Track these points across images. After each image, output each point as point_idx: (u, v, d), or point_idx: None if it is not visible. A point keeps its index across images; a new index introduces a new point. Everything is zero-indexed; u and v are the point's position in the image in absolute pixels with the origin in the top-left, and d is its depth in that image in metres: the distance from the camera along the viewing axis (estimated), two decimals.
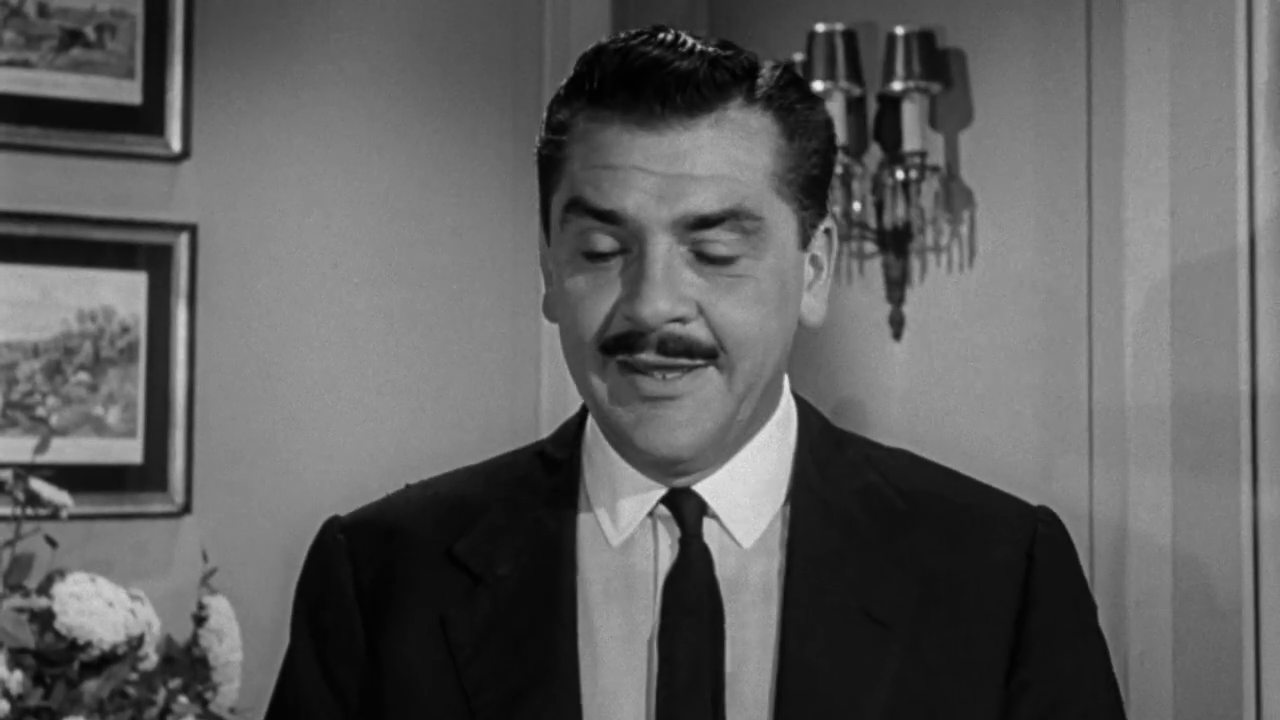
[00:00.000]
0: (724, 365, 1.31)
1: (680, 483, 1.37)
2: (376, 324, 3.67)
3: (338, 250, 3.64)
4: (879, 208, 3.63)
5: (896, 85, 3.49)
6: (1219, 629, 2.79)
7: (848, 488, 1.41)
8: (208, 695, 3.05)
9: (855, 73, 3.60)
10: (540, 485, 1.43)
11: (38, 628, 2.86)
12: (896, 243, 3.58)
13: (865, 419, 3.55)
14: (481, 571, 1.39)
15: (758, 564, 1.37)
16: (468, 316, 3.76)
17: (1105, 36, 3.11)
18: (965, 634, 1.36)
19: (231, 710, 3.06)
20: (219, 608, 3.08)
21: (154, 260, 3.46)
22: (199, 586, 3.14)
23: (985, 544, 1.40)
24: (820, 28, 3.58)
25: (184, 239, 3.47)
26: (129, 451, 3.43)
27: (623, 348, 1.30)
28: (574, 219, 1.32)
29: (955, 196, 3.50)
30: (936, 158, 3.51)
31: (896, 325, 3.56)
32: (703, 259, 1.31)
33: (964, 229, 3.46)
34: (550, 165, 1.37)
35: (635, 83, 1.30)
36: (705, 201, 1.29)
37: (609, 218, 1.31)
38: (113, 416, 3.41)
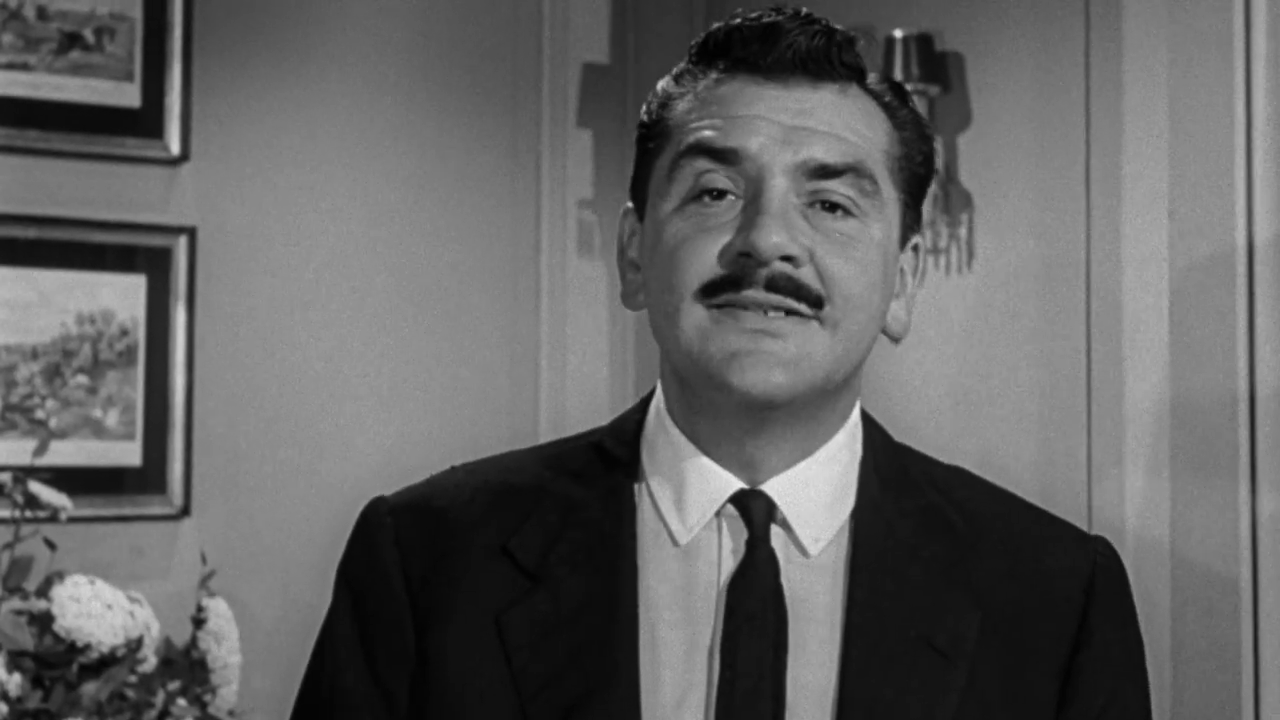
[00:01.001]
0: (828, 319, 1.29)
1: (751, 477, 1.34)
2: (375, 327, 3.67)
3: (337, 253, 3.65)
4: None
5: None
6: (1217, 631, 2.79)
7: (911, 507, 1.39)
8: (206, 698, 3.05)
9: None
10: (597, 481, 1.38)
11: (36, 630, 2.86)
12: None
13: None
14: (539, 571, 1.34)
15: (821, 580, 1.34)
16: (467, 319, 3.76)
17: (1104, 40, 3.11)
18: (1022, 667, 1.35)
19: (230, 713, 3.06)
20: (218, 610, 3.08)
21: (153, 263, 3.46)
22: (198, 589, 3.13)
23: (1044, 575, 1.39)
24: None
25: (183, 242, 3.48)
26: (128, 454, 3.43)
27: (729, 285, 1.27)
28: (688, 163, 1.31)
29: (953, 199, 3.49)
30: (935, 160, 3.52)
31: None
32: (820, 208, 1.30)
33: (962, 231, 3.46)
34: (657, 130, 1.36)
35: (765, 38, 1.32)
36: (828, 152, 1.30)
37: (729, 156, 1.30)
38: (112, 419, 3.41)
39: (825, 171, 1.30)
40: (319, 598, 1.49)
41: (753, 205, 1.29)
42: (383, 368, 3.68)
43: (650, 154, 1.36)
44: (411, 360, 3.70)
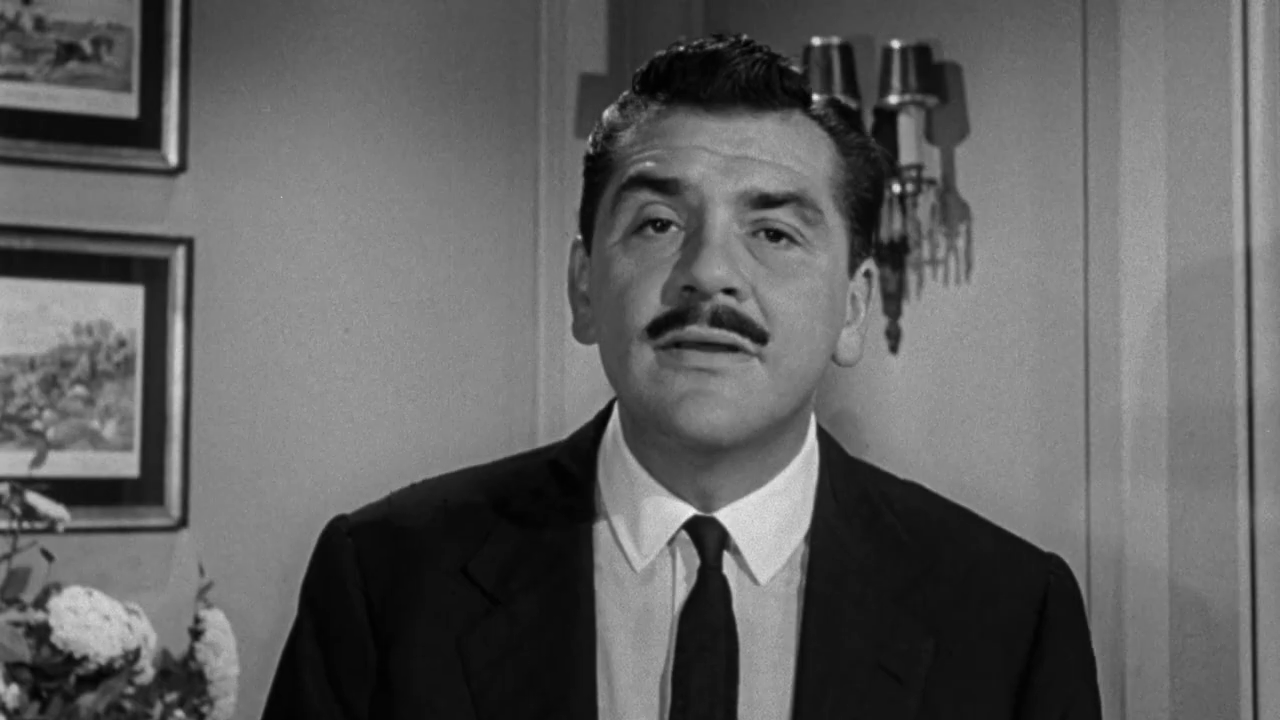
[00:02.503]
0: (769, 356, 1.29)
1: (705, 505, 1.35)
2: (373, 338, 3.67)
3: (334, 264, 3.64)
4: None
5: (892, 99, 3.49)
6: (1216, 641, 2.78)
7: (866, 531, 1.39)
8: (204, 709, 3.04)
9: (851, 86, 3.60)
10: (554, 500, 1.40)
11: (34, 642, 2.86)
12: (893, 256, 3.58)
13: (861, 432, 3.54)
14: (498, 593, 1.35)
15: (774, 607, 1.35)
16: (464, 330, 3.76)
17: (1101, 50, 3.11)
18: (976, 689, 1.36)
19: None
20: (215, 621, 3.07)
21: (150, 273, 3.46)
22: (195, 600, 3.13)
23: (997, 596, 1.40)
24: (816, 41, 3.58)
25: (180, 252, 3.47)
26: (125, 465, 3.43)
27: (675, 321, 1.28)
28: (630, 195, 1.32)
29: (952, 210, 3.49)
30: (933, 171, 3.51)
31: (893, 338, 3.56)
32: (763, 237, 1.30)
33: (960, 242, 3.46)
34: (602, 163, 1.37)
35: (705, 69, 1.32)
36: (769, 181, 1.30)
37: (670, 187, 1.30)
38: (109, 430, 3.41)
39: (767, 201, 1.30)
40: None
41: (695, 237, 1.29)
42: (381, 379, 3.67)
43: (596, 187, 1.37)
44: (409, 372, 3.70)
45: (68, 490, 3.18)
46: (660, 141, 1.32)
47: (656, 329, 1.29)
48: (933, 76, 3.49)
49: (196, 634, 3.07)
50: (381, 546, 1.40)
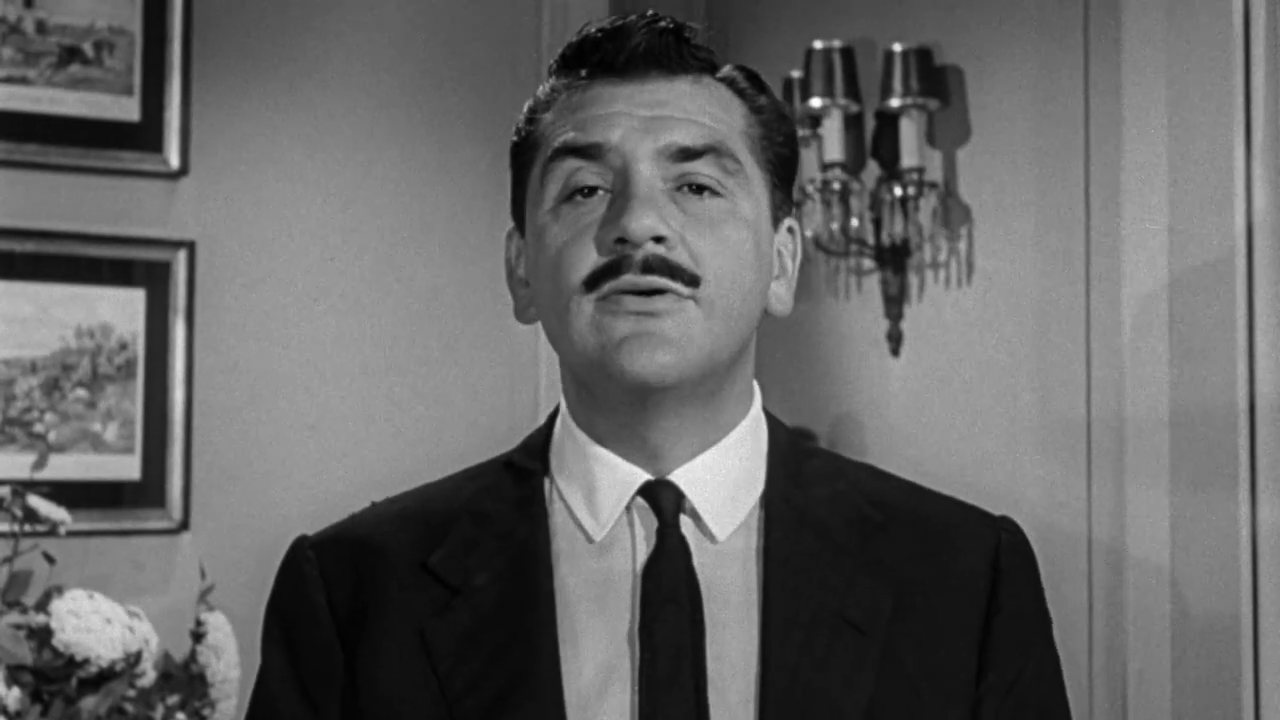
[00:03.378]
0: (703, 299, 1.33)
1: (657, 468, 1.39)
2: (374, 340, 3.68)
3: (336, 266, 3.65)
4: (877, 224, 3.63)
5: (894, 102, 3.49)
6: (1217, 643, 2.78)
7: (819, 495, 1.43)
8: (205, 712, 3.04)
9: (853, 90, 3.61)
10: (509, 494, 1.43)
11: (35, 644, 2.86)
12: (894, 259, 3.59)
13: (863, 434, 3.54)
14: (458, 583, 1.39)
15: (733, 566, 1.39)
16: (465, 332, 3.76)
17: (1102, 52, 3.12)
18: (938, 640, 1.39)
19: None
20: (217, 624, 3.07)
21: (152, 277, 3.46)
22: (197, 603, 3.13)
23: (953, 553, 1.43)
24: (818, 45, 3.58)
25: (182, 255, 3.48)
26: (127, 468, 3.43)
27: (609, 272, 1.33)
28: (556, 165, 1.37)
29: (953, 213, 3.50)
30: (934, 174, 3.52)
31: (894, 341, 3.56)
32: (688, 190, 1.36)
33: (962, 245, 3.46)
34: (527, 145, 1.42)
35: (616, 39, 1.38)
36: (686, 135, 1.36)
37: (593, 151, 1.35)
38: (111, 433, 3.41)
39: (687, 154, 1.36)
40: None
41: (621, 195, 1.34)
42: (382, 382, 3.68)
43: (524, 168, 1.43)
44: (411, 375, 3.70)
45: (69, 493, 3.18)
46: (581, 113, 1.38)
47: (593, 281, 1.34)
48: (934, 80, 3.49)
49: (198, 637, 3.07)
50: (342, 557, 1.44)
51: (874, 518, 1.42)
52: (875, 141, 3.71)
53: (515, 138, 1.44)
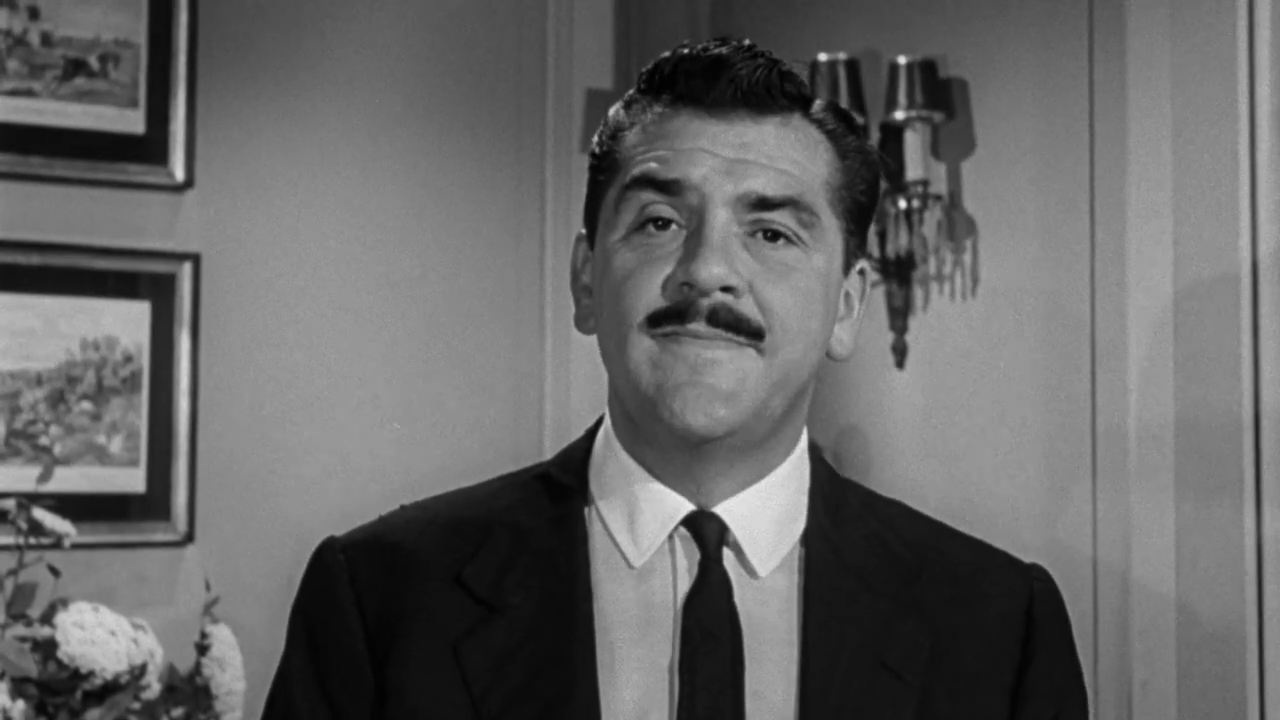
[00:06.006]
0: (766, 349, 1.32)
1: (702, 501, 1.37)
2: (379, 351, 3.68)
3: (341, 279, 3.65)
4: (881, 237, 3.63)
5: (899, 114, 3.49)
6: (1222, 654, 2.78)
7: (856, 535, 1.42)
8: None
9: (858, 102, 3.60)
10: (545, 510, 1.41)
11: (40, 657, 2.86)
12: (899, 271, 3.58)
13: (868, 447, 3.54)
14: (493, 600, 1.36)
15: (774, 603, 1.37)
16: (470, 344, 3.76)
17: (1107, 64, 3.12)
18: (972, 687, 1.39)
19: None
20: (221, 636, 3.07)
21: (157, 289, 3.47)
22: (201, 615, 3.13)
23: (985, 600, 1.43)
24: (823, 57, 3.58)
25: (187, 268, 3.48)
26: (132, 480, 3.43)
27: (673, 317, 1.31)
28: (634, 195, 1.35)
29: (958, 225, 3.49)
30: (939, 186, 3.52)
31: (899, 354, 3.56)
32: (761, 237, 1.34)
33: (967, 258, 3.46)
34: (607, 162, 1.40)
35: (709, 74, 1.36)
36: (767, 185, 1.34)
37: (672, 187, 1.34)
38: (115, 445, 3.41)
39: (765, 203, 1.34)
40: None
41: (695, 236, 1.33)
42: (387, 394, 3.68)
43: (601, 185, 1.41)
44: (416, 386, 3.70)
45: (74, 505, 3.18)
46: (664, 143, 1.35)
47: (655, 321, 1.32)
48: (939, 92, 3.49)
49: (203, 649, 3.07)
50: (373, 563, 1.41)
51: (908, 560, 1.42)
52: (874, 146, 3.71)
53: (595, 149, 1.42)
